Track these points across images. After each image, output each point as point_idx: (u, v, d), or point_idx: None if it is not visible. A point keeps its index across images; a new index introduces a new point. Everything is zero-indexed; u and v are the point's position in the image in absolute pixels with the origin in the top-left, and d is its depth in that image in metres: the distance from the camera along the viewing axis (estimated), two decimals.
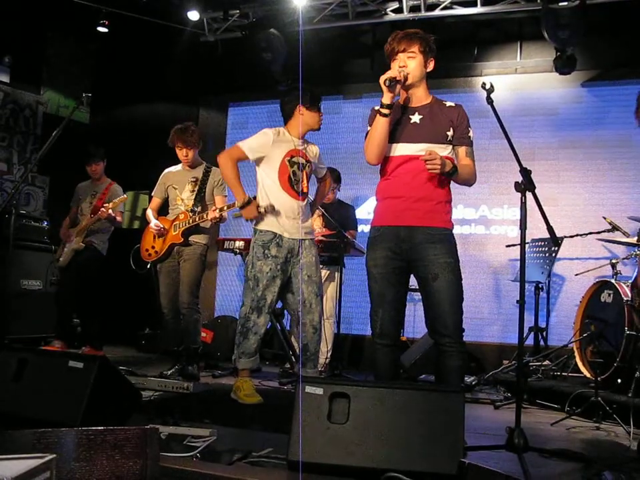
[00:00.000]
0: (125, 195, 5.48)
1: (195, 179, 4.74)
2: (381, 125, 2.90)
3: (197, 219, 4.56)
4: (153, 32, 6.73)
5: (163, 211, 4.90)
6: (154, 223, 4.70)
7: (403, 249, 2.93)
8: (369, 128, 3.02)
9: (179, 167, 4.86)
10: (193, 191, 4.71)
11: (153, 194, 4.91)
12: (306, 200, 3.92)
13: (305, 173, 3.85)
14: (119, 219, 5.32)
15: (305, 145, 3.93)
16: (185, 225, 4.61)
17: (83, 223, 5.36)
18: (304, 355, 3.81)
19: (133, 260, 4.95)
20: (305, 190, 3.87)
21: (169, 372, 4.59)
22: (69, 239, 5.43)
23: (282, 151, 3.81)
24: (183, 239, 4.62)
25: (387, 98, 2.86)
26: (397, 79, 2.85)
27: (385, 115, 2.88)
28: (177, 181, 4.80)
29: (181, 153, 4.72)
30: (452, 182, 3.02)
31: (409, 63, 2.94)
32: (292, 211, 3.80)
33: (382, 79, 2.83)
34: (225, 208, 4.38)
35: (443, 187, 2.98)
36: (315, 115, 3.88)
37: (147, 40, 7.03)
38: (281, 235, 3.77)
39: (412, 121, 2.98)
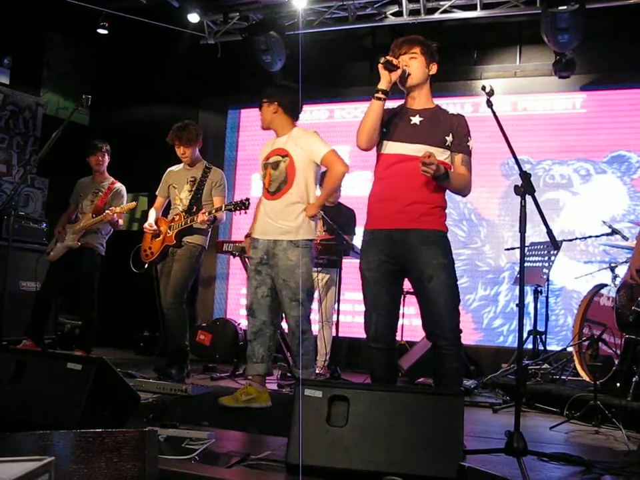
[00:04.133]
0: (135, 202, 5.35)
1: (193, 179, 4.71)
2: (375, 108, 2.91)
3: (189, 221, 4.55)
4: (153, 34, 6.72)
5: (168, 210, 4.89)
6: (147, 223, 4.73)
7: (397, 252, 2.91)
8: None
9: (180, 165, 4.84)
10: (191, 190, 4.68)
11: (157, 193, 4.91)
12: (282, 197, 3.70)
13: (285, 168, 3.70)
14: (120, 222, 5.22)
15: (287, 138, 3.78)
16: (179, 226, 4.59)
17: (83, 221, 5.18)
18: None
19: (133, 260, 4.92)
20: (272, 189, 3.73)
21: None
22: (61, 237, 5.23)
23: (263, 156, 3.86)
24: (175, 241, 4.60)
25: (383, 83, 2.88)
26: (394, 63, 2.87)
27: (379, 99, 2.89)
28: (176, 180, 4.78)
29: (179, 150, 4.69)
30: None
31: (411, 63, 2.97)
32: (264, 211, 3.79)
33: (380, 61, 2.86)
34: (214, 211, 4.39)
35: (438, 192, 2.94)
36: (286, 120, 3.81)
37: (147, 42, 7.04)
38: (257, 238, 3.78)
39: (412, 122, 2.98)
